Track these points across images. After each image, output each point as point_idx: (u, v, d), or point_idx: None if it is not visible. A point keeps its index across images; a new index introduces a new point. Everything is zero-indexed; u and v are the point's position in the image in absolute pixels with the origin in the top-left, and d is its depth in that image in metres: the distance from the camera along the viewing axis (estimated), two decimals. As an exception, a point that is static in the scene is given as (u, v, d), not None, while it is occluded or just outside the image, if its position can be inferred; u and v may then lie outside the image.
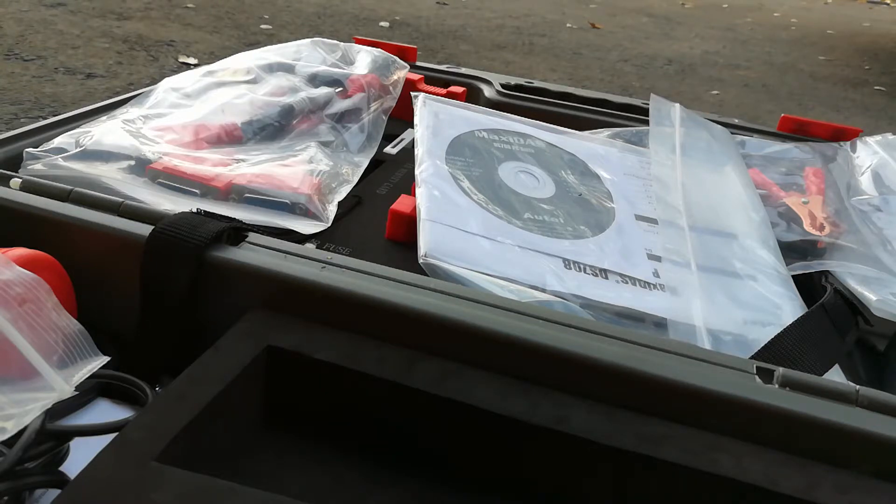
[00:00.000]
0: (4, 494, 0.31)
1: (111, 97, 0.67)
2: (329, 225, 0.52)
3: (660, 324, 0.46)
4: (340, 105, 0.67)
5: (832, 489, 0.31)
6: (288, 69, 0.70)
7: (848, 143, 0.74)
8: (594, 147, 0.64)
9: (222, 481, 0.28)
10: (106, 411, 0.40)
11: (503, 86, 0.85)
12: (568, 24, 3.00)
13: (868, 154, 0.71)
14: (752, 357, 0.41)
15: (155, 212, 0.43)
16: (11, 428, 0.29)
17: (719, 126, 0.71)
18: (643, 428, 0.34)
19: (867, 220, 0.61)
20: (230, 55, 0.73)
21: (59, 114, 0.58)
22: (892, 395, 0.35)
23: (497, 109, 0.66)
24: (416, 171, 0.53)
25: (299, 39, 0.77)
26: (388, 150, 0.72)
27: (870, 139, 0.74)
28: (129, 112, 0.60)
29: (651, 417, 0.34)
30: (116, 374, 0.38)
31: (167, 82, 0.65)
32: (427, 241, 0.46)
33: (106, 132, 0.54)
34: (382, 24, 2.44)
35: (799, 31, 3.66)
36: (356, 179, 0.60)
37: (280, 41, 0.84)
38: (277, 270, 0.39)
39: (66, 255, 0.41)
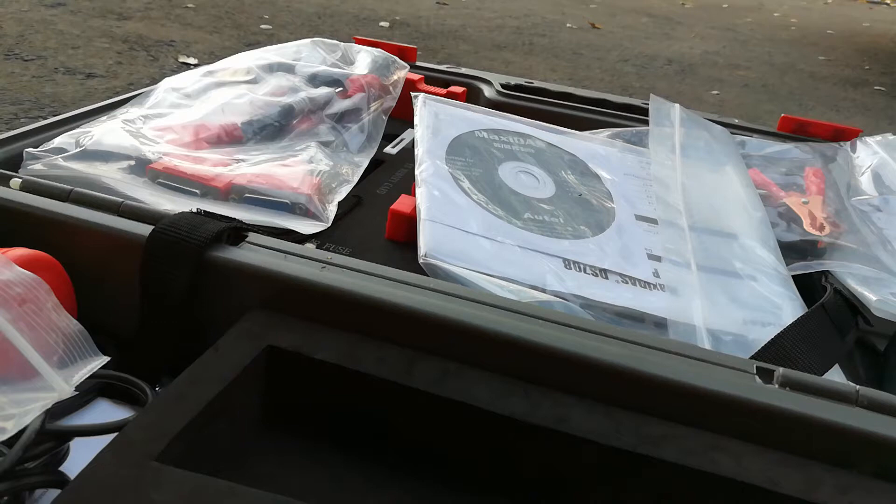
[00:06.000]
0: (4, 494, 0.31)
1: (111, 97, 0.67)
2: (329, 225, 0.52)
3: (660, 324, 0.46)
4: (340, 105, 0.67)
5: (832, 489, 0.31)
6: (288, 69, 0.70)
7: (848, 143, 0.74)
8: (594, 147, 0.64)
9: (222, 481, 0.28)
10: (106, 411, 0.40)
11: (503, 86, 0.85)
12: (568, 24, 3.00)
13: (868, 154, 0.71)
14: (752, 357, 0.41)
15: (155, 212, 0.43)
16: (11, 428, 0.29)
17: (719, 126, 0.71)
18: (643, 428, 0.34)
19: (867, 220, 0.61)
20: (230, 55, 0.73)
21: (59, 114, 0.58)
22: (892, 395, 0.35)
23: (497, 109, 0.66)
24: (416, 171, 0.53)
25: (299, 39, 0.77)
26: (388, 150, 0.72)
27: (870, 139, 0.74)
28: (129, 112, 0.60)
29: (651, 417, 0.34)
30: (116, 374, 0.38)
31: (167, 82, 0.65)
32: (427, 241, 0.46)
33: (106, 132, 0.54)
34: (382, 24, 2.44)
35: (799, 31, 3.66)
36: (356, 179, 0.60)
37: (280, 41, 0.84)
38: (277, 270, 0.39)
39: (66, 255, 0.41)
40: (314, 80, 0.69)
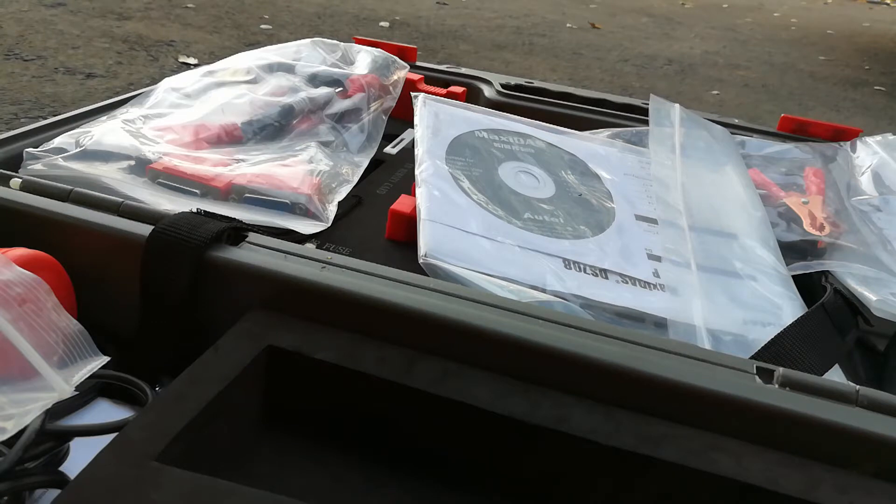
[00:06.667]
0: (4, 494, 0.31)
1: (111, 97, 0.67)
2: (329, 225, 0.52)
3: (660, 324, 0.46)
4: (340, 105, 0.67)
5: (832, 489, 0.31)
6: (288, 69, 0.70)
7: (848, 143, 0.74)
8: (594, 147, 0.64)
9: (222, 481, 0.28)
10: (106, 411, 0.40)
11: (503, 86, 0.85)
12: (568, 24, 3.00)
13: (868, 154, 0.71)
14: (752, 357, 0.41)
15: (155, 212, 0.43)
16: (11, 428, 0.29)
17: (719, 126, 0.71)
18: (643, 428, 0.34)
19: (867, 220, 0.61)
20: (230, 55, 0.73)
21: (59, 114, 0.58)
22: (892, 395, 0.35)
23: (497, 109, 0.66)
24: (416, 171, 0.53)
25: (299, 39, 0.77)
26: (388, 150, 0.72)
27: (870, 139, 0.74)
28: (129, 112, 0.60)
29: (651, 417, 0.34)
30: (116, 374, 0.38)
31: (167, 82, 0.65)
32: (427, 241, 0.46)
33: (106, 132, 0.54)
34: (382, 24, 2.44)
35: (799, 31, 3.66)
36: (356, 179, 0.60)
37: (280, 41, 0.84)
38: (277, 270, 0.39)
39: (66, 255, 0.41)
40: (314, 80, 0.69)
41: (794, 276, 0.54)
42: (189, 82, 0.66)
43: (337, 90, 0.69)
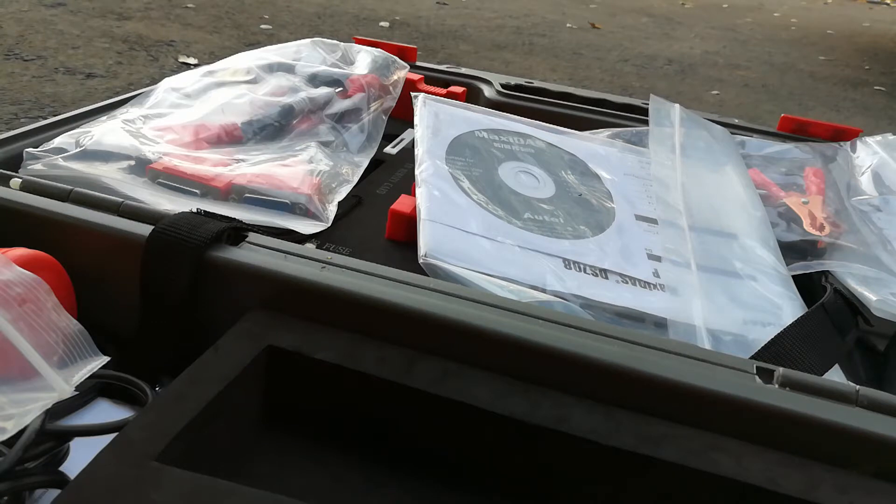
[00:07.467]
0: (4, 494, 0.31)
1: (111, 97, 0.67)
2: (329, 225, 0.52)
3: (660, 324, 0.46)
4: (340, 105, 0.67)
5: (832, 489, 0.31)
6: (288, 69, 0.70)
7: (848, 143, 0.74)
8: (594, 147, 0.64)
9: (222, 481, 0.28)
10: (106, 411, 0.40)
11: (503, 86, 0.85)
12: (568, 24, 3.00)
13: (868, 154, 0.71)
14: (752, 357, 0.41)
15: (155, 212, 0.43)
16: (11, 428, 0.29)
17: (719, 126, 0.71)
18: (643, 428, 0.34)
19: (867, 220, 0.61)
20: (230, 55, 0.73)
21: (59, 114, 0.58)
22: (892, 395, 0.35)
23: (497, 109, 0.66)
24: (416, 171, 0.53)
25: (299, 39, 0.77)
26: (388, 150, 0.72)
27: (870, 139, 0.74)
28: (129, 112, 0.60)
29: (651, 417, 0.34)
30: (116, 374, 0.38)
31: (167, 82, 0.65)
32: (427, 241, 0.46)
33: (106, 132, 0.54)
34: (382, 24, 2.44)
35: (799, 31, 3.66)
36: (356, 179, 0.60)
37: (280, 41, 0.84)
38: (277, 270, 0.39)
39: (66, 255, 0.41)
40: (314, 80, 0.69)
41: (794, 276, 0.54)
42: (189, 82, 0.66)
43: (337, 90, 0.69)
